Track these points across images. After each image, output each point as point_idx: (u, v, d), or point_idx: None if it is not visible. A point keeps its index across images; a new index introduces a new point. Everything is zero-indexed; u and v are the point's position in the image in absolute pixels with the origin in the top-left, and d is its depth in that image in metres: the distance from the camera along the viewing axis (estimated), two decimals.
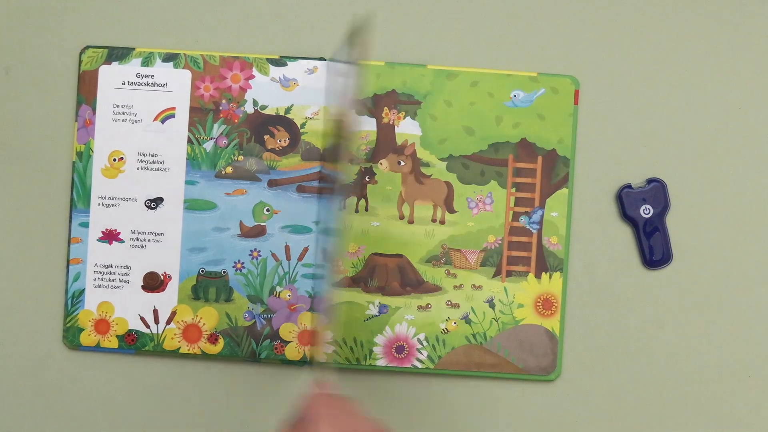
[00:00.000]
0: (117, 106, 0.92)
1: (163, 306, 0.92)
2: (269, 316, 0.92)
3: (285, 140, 0.92)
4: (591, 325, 0.93)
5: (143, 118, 0.92)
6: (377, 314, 0.92)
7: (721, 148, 0.94)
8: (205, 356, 0.92)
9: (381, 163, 0.93)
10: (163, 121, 0.92)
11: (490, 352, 0.92)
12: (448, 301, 0.93)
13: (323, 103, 0.92)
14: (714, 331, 0.94)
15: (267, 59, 0.92)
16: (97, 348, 0.92)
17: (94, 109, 0.92)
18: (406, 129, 0.93)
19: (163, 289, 0.92)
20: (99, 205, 0.92)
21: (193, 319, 0.92)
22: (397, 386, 0.93)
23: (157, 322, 0.92)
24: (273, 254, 0.92)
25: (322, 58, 0.92)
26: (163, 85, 0.92)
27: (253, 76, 0.92)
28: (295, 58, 0.92)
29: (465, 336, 0.92)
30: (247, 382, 0.93)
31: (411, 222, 0.93)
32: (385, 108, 0.92)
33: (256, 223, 0.92)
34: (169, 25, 0.93)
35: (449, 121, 0.92)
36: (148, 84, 0.92)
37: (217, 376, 0.93)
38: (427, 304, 0.92)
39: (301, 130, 0.92)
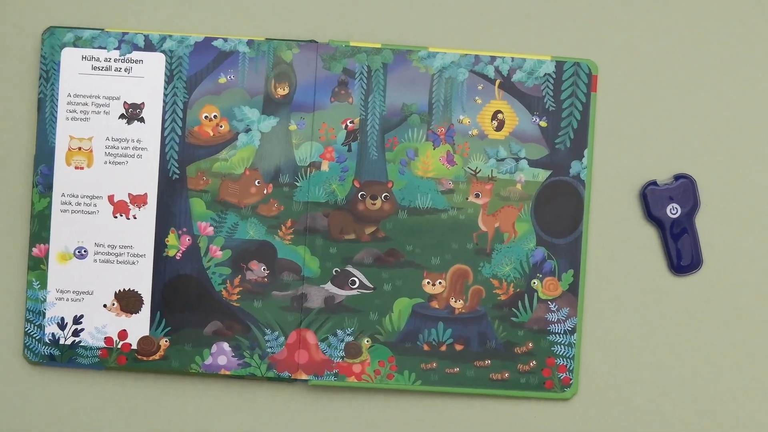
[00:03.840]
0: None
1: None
2: None
3: None
4: (611, 338, 0.93)
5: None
6: None
7: (755, 141, 0.93)
8: (181, 372, 0.91)
9: None
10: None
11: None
12: None
13: None
14: (749, 345, 0.93)
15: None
16: (62, 363, 0.91)
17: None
18: None
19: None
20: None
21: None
22: (404, 402, 0.92)
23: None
24: None
25: (313, 41, 0.90)
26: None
27: None
28: (283, 41, 0.90)
29: None
30: (228, 398, 0.92)
31: None
32: None
33: None
34: (144, 4, 0.91)
35: None
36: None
37: (195, 393, 0.92)
38: None
39: None
